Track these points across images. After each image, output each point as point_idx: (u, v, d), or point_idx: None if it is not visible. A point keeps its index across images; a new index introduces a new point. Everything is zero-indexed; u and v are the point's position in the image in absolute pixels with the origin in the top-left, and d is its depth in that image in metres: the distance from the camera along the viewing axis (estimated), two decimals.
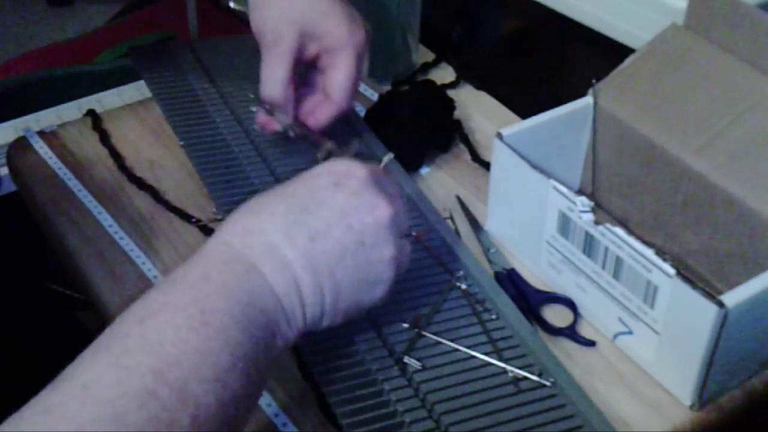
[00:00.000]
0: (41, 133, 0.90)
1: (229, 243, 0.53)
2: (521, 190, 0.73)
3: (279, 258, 0.53)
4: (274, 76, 0.75)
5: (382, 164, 0.67)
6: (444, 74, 0.98)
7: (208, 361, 0.47)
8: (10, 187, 0.95)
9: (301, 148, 0.81)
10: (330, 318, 0.56)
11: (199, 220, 0.79)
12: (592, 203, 0.67)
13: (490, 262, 0.76)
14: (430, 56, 1.00)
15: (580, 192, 0.82)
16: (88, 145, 0.88)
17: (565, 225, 0.69)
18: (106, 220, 0.80)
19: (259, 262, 0.52)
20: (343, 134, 0.81)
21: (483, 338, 0.65)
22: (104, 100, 1.03)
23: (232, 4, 0.77)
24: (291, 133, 0.78)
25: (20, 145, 0.89)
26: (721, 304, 0.59)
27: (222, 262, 0.52)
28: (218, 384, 0.47)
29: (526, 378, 0.62)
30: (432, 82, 0.91)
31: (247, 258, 0.52)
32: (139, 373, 0.45)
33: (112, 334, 0.48)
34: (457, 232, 0.77)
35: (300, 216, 0.55)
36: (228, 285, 0.51)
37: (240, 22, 1.62)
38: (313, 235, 0.54)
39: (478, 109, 0.93)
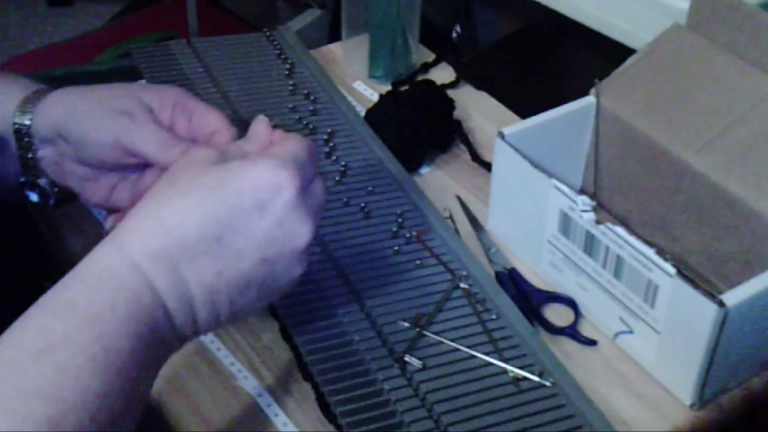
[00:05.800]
0: None
1: (137, 267, 0.50)
2: (523, 189, 0.73)
3: (184, 294, 0.51)
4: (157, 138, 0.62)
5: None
6: (444, 74, 0.98)
7: (106, 405, 0.46)
8: None
9: None
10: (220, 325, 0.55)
11: None
12: (593, 203, 0.67)
13: (490, 261, 0.76)
14: (430, 56, 1.00)
15: (581, 191, 0.82)
16: None
17: (566, 224, 0.69)
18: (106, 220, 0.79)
19: (165, 295, 0.51)
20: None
21: (483, 338, 0.65)
22: None
23: None
24: None
25: None
26: (721, 304, 0.58)
27: (128, 290, 0.49)
28: (113, 426, 0.46)
29: (526, 378, 0.62)
30: (432, 82, 0.91)
31: (154, 289, 0.50)
32: (35, 422, 0.43)
33: (3, 362, 0.45)
34: (457, 232, 0.77)
35: (212, 245, 0.51)
36: (134, 319, 0.49)
37: (240, 22, 1.63)
38: (222, 270, 0.52)
39: (478, 109, 0.93)
